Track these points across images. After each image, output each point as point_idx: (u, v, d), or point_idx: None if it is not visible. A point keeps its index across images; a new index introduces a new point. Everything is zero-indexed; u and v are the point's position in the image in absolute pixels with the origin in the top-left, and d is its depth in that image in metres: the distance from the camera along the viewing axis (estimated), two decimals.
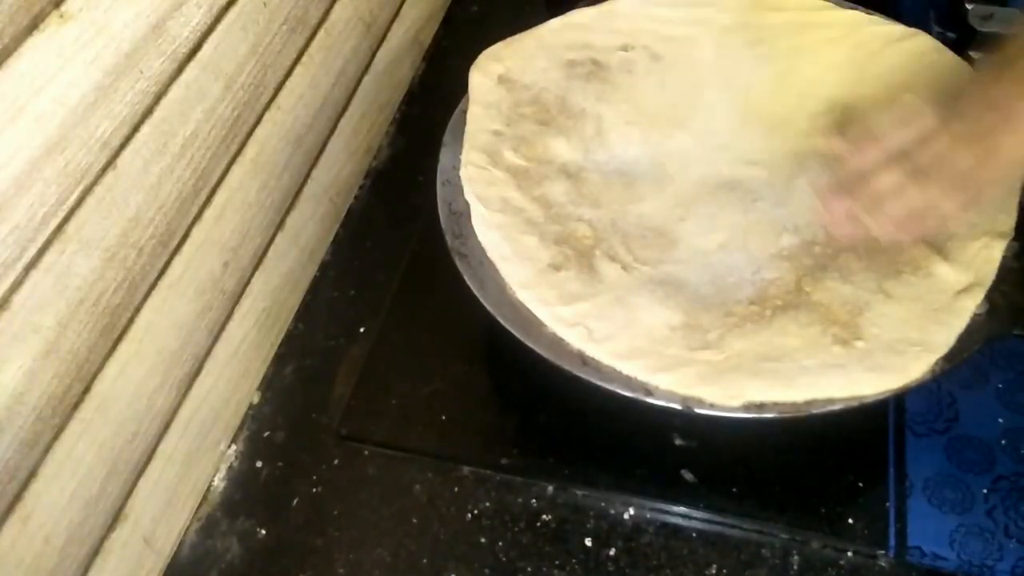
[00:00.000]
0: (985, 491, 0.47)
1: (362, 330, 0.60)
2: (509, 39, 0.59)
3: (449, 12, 0.82)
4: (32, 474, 0.40)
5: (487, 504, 0.50)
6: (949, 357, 0.43)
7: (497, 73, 0.58)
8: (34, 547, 0.40)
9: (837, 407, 0.42)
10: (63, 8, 0.38)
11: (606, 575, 0.47)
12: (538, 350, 0.45)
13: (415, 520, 0.50)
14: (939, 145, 0.40)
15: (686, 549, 0.48)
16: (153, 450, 0.48)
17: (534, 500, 0.50)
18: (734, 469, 0.50)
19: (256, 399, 0.57)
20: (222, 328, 0.53)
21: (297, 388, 0.58)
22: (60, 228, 0.39)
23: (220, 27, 0.48)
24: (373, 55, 0.69)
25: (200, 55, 0.47)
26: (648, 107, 0.57)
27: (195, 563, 0.50)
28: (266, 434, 0.56)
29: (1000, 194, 0.47)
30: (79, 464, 0.42)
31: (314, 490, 0.52)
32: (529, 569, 0.48)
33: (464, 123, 0.56)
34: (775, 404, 0.42)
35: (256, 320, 0.57)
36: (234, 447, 0.55)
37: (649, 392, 0.43)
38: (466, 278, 0.48)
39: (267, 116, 0.55)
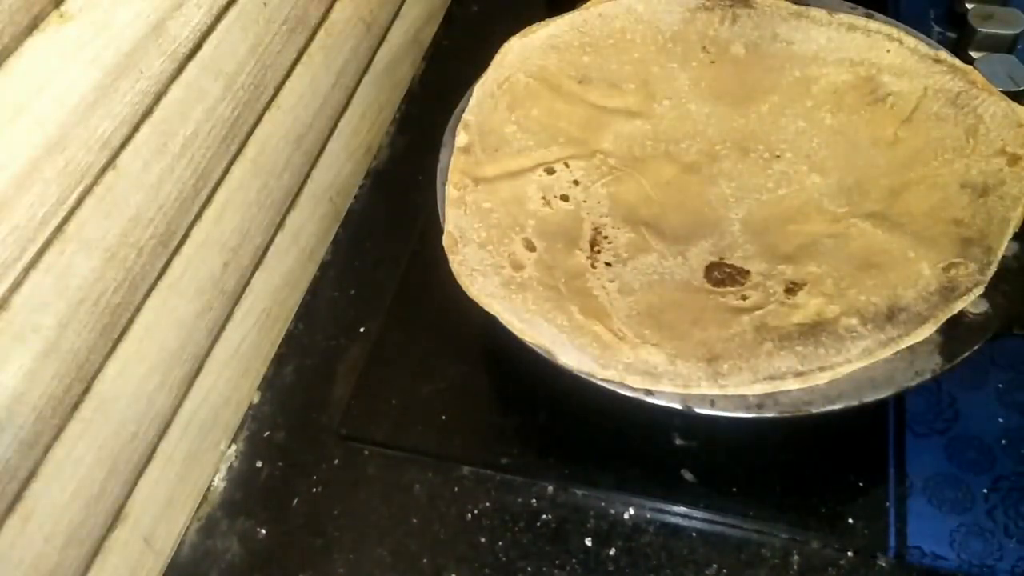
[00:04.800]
0: (985, 491, 0.47)
1: (362, 330, 0.60)
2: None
3: (449, 12, 0.82)
4: (32, 474, 0.40)
5: (487, 504, 0.50)
6: (949, 357, 0.43)
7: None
8: (34, 547, 0.40)
9: (837, 407, 0.42)
10: (63, 8, 0.38)
11: (606, 575, 0.47)
12: (538, 350, 0.45)
13: (415, 520, 0.50)
14: None
15: (686, 549, 0.48)
16: (153, 450, 0.48)
17: (534, 500, 0.50)
18: (734, 469, 0.50)
19: (256, 399, 0.57)
20: (222, 328, 0.53)
21: (297, 388, 0.58)
22: (60, 228, 0.39)
23: (220, 27, 0.48)
24: (373, 55, 0.69)
25: (200, 55, 0.47)
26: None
27: (195, 563, 0.50)
28: (266, 434, 0.56)
29: None
30: (79, 464, 0.42)
31: (314, 490, 0.52)
32: (529, 569, 0.48)
33: None
34: (775, 403, 0.42)
35: (256, 320, 0.57)
36: (234, 447, 0.55)
37: (649, 392, 0.43)
38: None
39: (267, 116, 0.55)
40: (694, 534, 0.48)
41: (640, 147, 0.56)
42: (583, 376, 0.43)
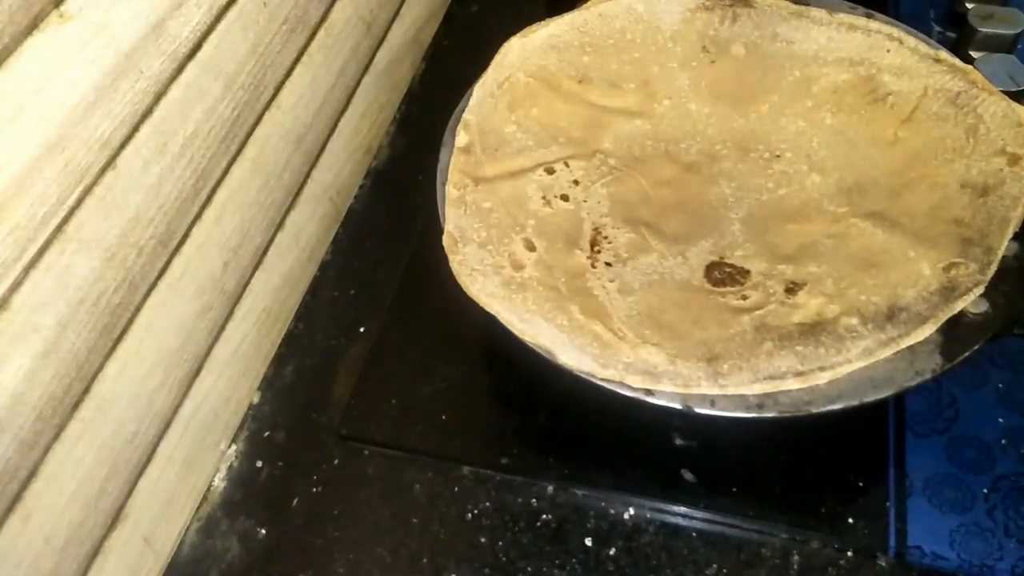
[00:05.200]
0: (985, 491, 0.47)
1: (362, 330, 0.60)
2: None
3: (449, 12, 0.82)
4: (32, 474, 0.40)
5: (487, 504, 0.50)
6: (949, 356, 0.43)
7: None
8: (34, 547, 0.40)
9: (837, 406, 0.42)
10: (63, 8, 0.38)
11: (606, 575, 0.47)
12: (539, 349, 0.45)
13: (415, 520, 0.50)
14: None
15: (686, 549, 0.48)
16: (153, 450, 0.48)
17: (534, 500, 0.50)
18: (734, 469, 0.50)
19: (256, 399, 0.57)
20: (222, 328, 0.53)
21: (297, 388, 0.58)
22: (60, 228, 0.39)
23: (220, 27, 0.48)
24: (373, 55, 0.69)
25: (200, 55, 0.47)
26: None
27: (195, 563, 0.50)
28: (266, 434, 0.56)
29: None
30: (79, 464, 0.42)
31: (314, 490, 0.52)
32: (529, 569, 0.48)
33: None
34: (775, 403, 0.42)
35: (256, 320, 0.57)
36: (234, 447, 0.55)
37: (649, 392, 0.43)
38: None
39: (267, 116, 0.55)
40: (694, 534, 0.48)
41: (640, 147, 0.56)
42: (583, 376, 0.43)
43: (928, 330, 0.43)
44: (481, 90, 0.55)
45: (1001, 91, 0.51)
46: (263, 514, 0.52)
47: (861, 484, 0.49)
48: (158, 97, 0.44)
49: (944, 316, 0.43)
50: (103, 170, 0.41)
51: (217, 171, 0.50)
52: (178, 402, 0.50)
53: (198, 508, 0.52)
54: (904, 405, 0.51)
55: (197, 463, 0.52)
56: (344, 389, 0.56)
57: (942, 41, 0.63)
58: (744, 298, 0.47)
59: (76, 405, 0.42)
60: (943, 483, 0.48)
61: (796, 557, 0.47)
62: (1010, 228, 0.45)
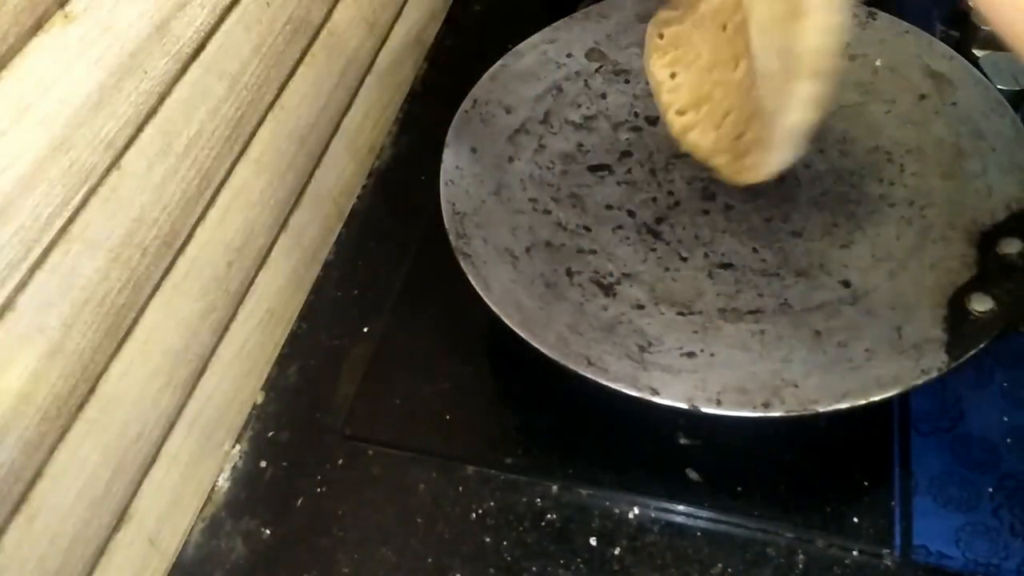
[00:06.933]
0: (991, 489, 0.47)
1: (366, 330, 0.60)
2: None
3: (451, 12, 0.82)
4: (38, 474, 0.40)
5: (491, 503, 0.50)
6: (954, 355, 0.43)
7: None
8: (39, 547, 0.40)
9: (843, 405, 0.42)
10: (67, 8, 0.38)
11: (611, 574, 0.47)
12: (543, 349, 0.45)
13: (419, 520, 0.50)
14: None
15: (691, 548, 0.48)
16: (158, 450, 0.48)
17: (538, 499, 0.50)
18: (739, 468, 0.50)
19: (260, 399, 0.57)
20: (226, 328, 0.53)
21: (301, 388, 0.58)
22: (65, 229, 0.39)
23: (224, 27, 0.48)
24: (375, 55, 0.69)
25: (204, 55, 0.47)
26: None
27: (200, 563, 0.50)
28: (270, 434, 0.56)
29: None
30: (84, 464, 0.42)
31: (318, 490, 0.52)
32: (534, 568, 0.48)
33: (466, 122, 0.56)
34: (781, 402, 0.42)
35: (260, 320, 0.57)
36: (238, 447, 0.55)
37: (655, 391, 0.43)
38: (470, 278, 0.48)
39: (270, 116, 0.55)
40: (699, 533, 0.48)
41: None
42: (588, 376, 0.43)
43: None
44: None
45: (1005, 89, 0.51)
46: (267, 514, 0.52)
47: (866, 483, 0.49)
48: (162, 97, 0.44)
49: None
50: (108, 170, 0.41)
51: (221, 171, 0.50)
52: (182, 402, 0.50)
53: (202, 508, 0.52)
54: (909, 404, 0.51)
55: (201, 463, 0.52)
56: (348, 389, 0.56)
57: (946, 39, 0.63)
58: None
59: (81, 406, 0.42)
60: (948, 482, 0.48)
61: (801, 556, 0.47)
62: None
